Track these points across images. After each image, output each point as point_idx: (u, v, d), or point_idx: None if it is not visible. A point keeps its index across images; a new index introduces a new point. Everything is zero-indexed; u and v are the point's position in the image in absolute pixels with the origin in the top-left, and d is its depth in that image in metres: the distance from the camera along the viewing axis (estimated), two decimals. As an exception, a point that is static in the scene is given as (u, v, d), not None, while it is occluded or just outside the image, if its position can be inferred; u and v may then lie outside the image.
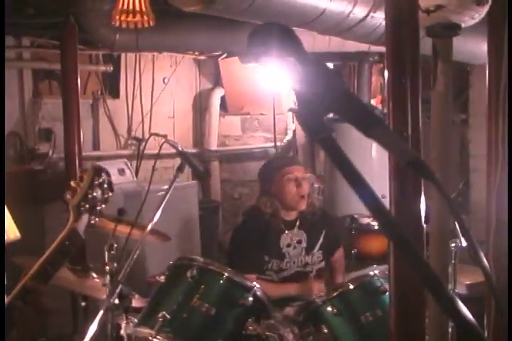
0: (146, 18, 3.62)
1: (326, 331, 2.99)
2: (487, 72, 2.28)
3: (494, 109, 2.28)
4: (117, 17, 3.60)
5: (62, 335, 4.18)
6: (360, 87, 5.73)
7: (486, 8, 2.29)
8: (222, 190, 7.17)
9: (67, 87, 3.92)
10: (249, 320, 2.96)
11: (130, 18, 3.63)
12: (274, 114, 6.83)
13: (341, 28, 3.60)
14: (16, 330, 1.56)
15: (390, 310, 2.12)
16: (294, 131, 7.20)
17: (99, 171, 1.89)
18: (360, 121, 1.00)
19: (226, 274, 3.02)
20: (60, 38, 3.89)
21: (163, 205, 2.92)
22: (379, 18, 3.61)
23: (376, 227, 4.57)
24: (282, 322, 3.38)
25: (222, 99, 6.99)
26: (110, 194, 1.92)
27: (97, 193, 1.88)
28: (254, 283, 3.04)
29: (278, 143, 7.07)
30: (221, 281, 3.02)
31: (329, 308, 3.00)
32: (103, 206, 1.90)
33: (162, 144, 3.07)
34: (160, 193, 5.48)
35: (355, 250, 4.53)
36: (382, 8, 3.36)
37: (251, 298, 2.96)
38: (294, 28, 3.66)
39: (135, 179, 5.83)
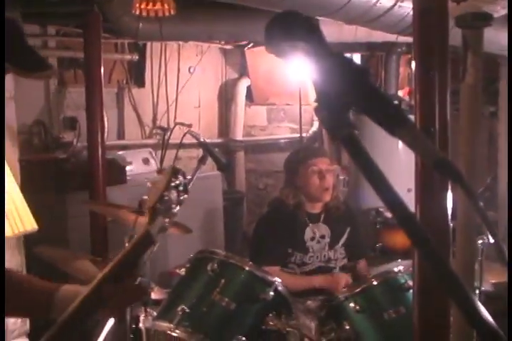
0: (166, 6, 3.58)
1: (347, 327, 2.93)
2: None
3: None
4: (138, 5, 3.56)
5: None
6: (387, 78, 5.64)
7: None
8: (247, 181, 7.13)
9: (91, 76, 3.88)
10: (270, 315, 2.91)
11: (150, 7, 3.59)
12: (300, 105, 6.76)
13: (368, 17, 3.52)
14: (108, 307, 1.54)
15: (413, 306, 2.06)
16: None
17: (176, 172, 1.86)
18: (385, 118, 0.94)
19: (247, 268, 2.98)
20: (83, 27, 3.85)
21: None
22: (407, 7, 3.53)
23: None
24: (304, 312, 3.34)
25: (248, 89, 6.94)
26: (185, 196, 1.88)
27: (173, 195, 1.84)
28: (276, 277, 2.99)
29: (304, 134, 7.00)
30: (242, 275, 2.98)
31: (352, 304, 2.95)
32: (177, 208, 1.87)
33: (184, 135, 3.03)
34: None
35: (380, 244, 4.46)
36: (410, -3, 3.29)
37: (272, 293, 2.91)
38: (320, 18, 3.61)
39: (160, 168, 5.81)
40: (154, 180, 1.92)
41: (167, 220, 1.82)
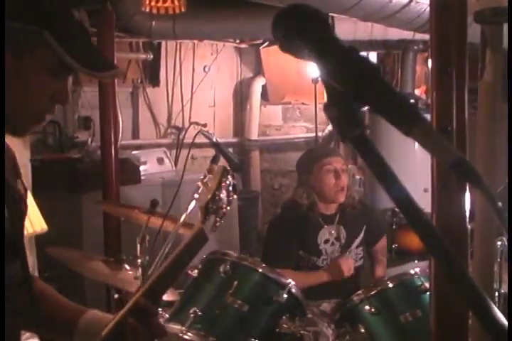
0: (177, 3, 3.53)
1: (362, 330, 2.88)
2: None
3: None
4: (148, 2, 3.52)
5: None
6: (403, 76, 5.57)
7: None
8: (262, 180, 7.10)
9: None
10: (284, 317, 2.87)
11: (161, 4, 3.55)
12: (315, 104, 6.71)
13: (384, 13, 3.46)
14: None
15: (430, 309, 2.00)
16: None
17: (226, 173, 1.85)
18: (399, 117, 0.89)
19: (260, 270, 2.92)
20: (96, 25, 3.83)
21: (196, 195, 2.82)
22: (423, 3, 3.47)
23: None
24: (320, 317, 3.29)
25: (264, 88, 6.90)
26: (235, 196, 1.87)
27: (223, 195, 1.84)
28: (290, 279, 2.94)
29: (319, 134, 6.95)
30: (255, 277, 2.93)
31: (367, 307, 2.89)
32: (228, 208, 1.86)
33: (196, 134, 2.99)
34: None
35: (396, 245, 4.40)
36: (427, -6, 3.22)
37: (285, 295, 2.86)
38: (335, 15, 3.56)
39: (174, 168, 5.79)
40: (204, 180, 1.92)
41: (219, 220, 1.83)
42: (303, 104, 7.00)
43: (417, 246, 4.41)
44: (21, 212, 1.51)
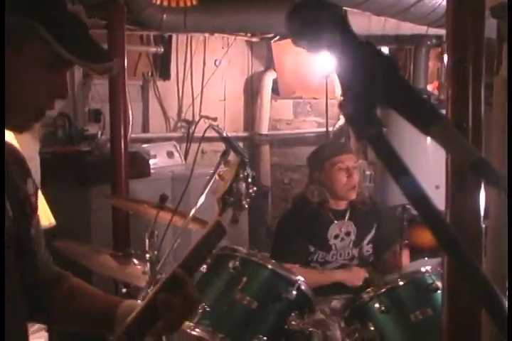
0: (189, -4, 3.51)
1: (372, 328, 2.85)
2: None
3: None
4: (160, -5, 3.49)
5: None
6: (416, 72, 5.51)
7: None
8: (272, 175, 7.06)
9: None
10: (293, 314, 2.84)
11: (172, -4, 3.52)
12: (326, 98, 6.67)
13: (398, 8, 3.41)
14: (163, 321, 1.49)
15: (443, 307, 1.97)
16: (348, 116, 7.03)
17: (244, 164, 1.83)
18: (417, 115, 0.86)
19: (270, 266, 2.90)
20: (107, 18, 3.80)
21: (206, 191, 2.80)
22: (438, -3, 3.41)
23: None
24: (330, 316, 3.26)
25: (274, 82, 6.86)
26: (254, 189, 1.84)
27: (242, 187, 1.81)
28: (299, 276, 2.92)
29: (330, 128, 6.91)
30: (264, 273, 2.91)
31: (377, 305, 2.87)
32: (247, 200, 1.84)
33: (206, 128, 2.96)
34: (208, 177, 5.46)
35: (406, 241, 4.35)
36: (442, -12, 3.18)
37: (295, 292, 2.84)
38: (348, 9, 3.51)
39: (184, 162, 5.77)
40: (222, 172, 1.90)
41: (238, 212, 1.81)
42: (314, 98, 6.96)
43: (427, 243, 4.36)
44: (26, 212, 1.49)
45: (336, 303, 3.48)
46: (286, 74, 6.85)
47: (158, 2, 3.58)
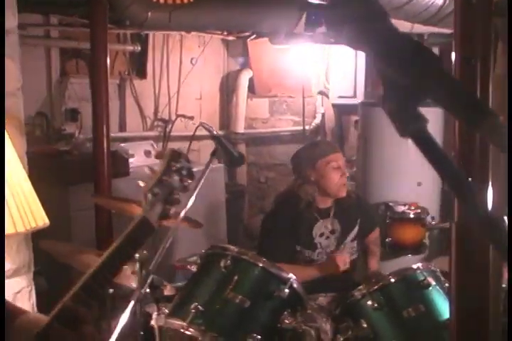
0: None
1: (365, 325, 2.86)
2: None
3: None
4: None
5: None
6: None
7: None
8: (248, 174, 7.05)
9: (96, 67, 3.78)
10: (285, 312, 2.84)
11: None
12: (303, 97, 6.69)
13: (391, 6, 3.39)
14: None
15: (450, 308, 1.97)
16: (323, 115, 7.06)
17: (176, 156, 1.73)
18: (466, 111, 0.85)
19: (261, 265, 2.90)
20: (89, 16, 3.75)
21: (197, 191, 2.79)
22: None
23: (412, 216, 4.43)
24: (318, 311, 3.27)
25: (251, 80, 6.85)
26: (190, 181, 1.75)
27: (174, 180, 1.71)
28: (291, 274, 2.91)
29: (306, 127, 6.93)
30: (256, 272, 2.90)
31: (369, 302, 2.88)
32: (180, 194, 1.74)
33: (197, 127, 2.95)
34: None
35: (390, 239, 4.39)
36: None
37: (287, 290, 2.84)
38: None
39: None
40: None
41: (169, 207, 1.71)
42: (289, 97, 6.96)
43: (410, 240, 4.41)
44: None
45: (322, 300, 3.49)
46: (263, 72, 6.84)
47: (155, -1, 3.54)
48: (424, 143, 0.89)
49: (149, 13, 3.97)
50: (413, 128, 0.90)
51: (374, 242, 3.96)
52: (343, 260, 3.53)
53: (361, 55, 6.69)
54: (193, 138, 3.03)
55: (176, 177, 1.72)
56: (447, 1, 3.35)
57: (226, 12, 4.58)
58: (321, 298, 3.51)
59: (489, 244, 1.49)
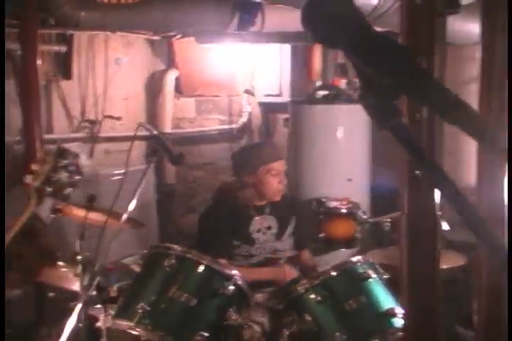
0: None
1: (309, 319, 2.91)
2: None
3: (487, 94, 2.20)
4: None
5: (26, 324, 4.02)
6: (325, 68, 5.67)
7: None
8: (177, 174, 7.04)
9: (27, 68, 3.74)
10: (231, 309, 2.87)
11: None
12: (229, 96, 6.74)
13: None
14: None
15: (405, 307, 2.02)
16: (250, 113, 7.13)
17: (63, 153, 1.75)
18: (439, 104, 0.91)
19: (205, 262, 2.92)
20: (19, 17, 3.69)
21: (139, 191, 2.80)
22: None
23: (344, 211, 4.53)
24: (255, 308, 3.31)
25: (177, 80, 6.84)
26: (78, 177, 1.77)
27: (62, 176, 1.73)
28: (235, 271, 2.95)
29: (233, 126, 6.98)
30: (200, 270, 2.92)
31: (312, 296, 2.94)
32: (70, 190, 1.76)
33: (137, 128, 2.95)
34: (115, 178, 5.39)
35: (323, 234, 4.48)
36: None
37: (232, 287, 2.87)
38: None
39: (89, 163, 5.67)
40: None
41: (58, 202, 1.75)
42: (216, 96, 7.00)
43: (343, 235, 4.50)
44: None
45: (259, 297, 3.54)
46: (188, 72, 6.84)
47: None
48: (403, 136, 0.94)
49: (82, 13, 3.93)
50: (392, 122, 0.94)
51: (308, 259, 3.99)
52: (291, 273, 3.61)
53: (286, 54, 6.77)
54: (134, 138, 3.02)
55: (65, 174, 1.75)
56: (382, 1, 3.43)
57: (161, 13, 4.57)
58: (257, 294, 3.55)
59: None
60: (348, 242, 4.43)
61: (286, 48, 6.62)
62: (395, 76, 0.94)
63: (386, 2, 3.47)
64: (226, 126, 6.97)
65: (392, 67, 0.94)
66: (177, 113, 6.96)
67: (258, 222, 3.76)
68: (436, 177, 0.92)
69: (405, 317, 2.06)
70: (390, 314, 2.86)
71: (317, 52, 6.09)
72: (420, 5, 1.64)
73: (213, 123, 7.11)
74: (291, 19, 4.42)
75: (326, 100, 5.30)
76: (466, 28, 4.00)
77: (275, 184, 3.71)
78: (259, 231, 3.75)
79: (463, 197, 0.92)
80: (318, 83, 5.96)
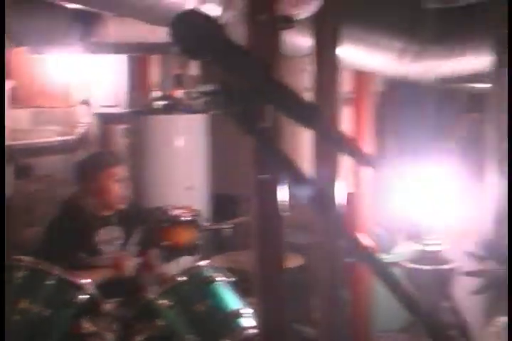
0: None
1: (161, 324, 3.00)
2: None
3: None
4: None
5: None
6: (164, 78, 5.77)
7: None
8: (14, 186, 6.88)
9: None
10: (84, 318, 2.92)
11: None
12: (66, 107, 6.68)
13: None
14: None
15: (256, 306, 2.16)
16: (87, 124, 7.11)
17: None
18: (298, 112, 1.06)
19: (56, 273, 2.95)
20: None
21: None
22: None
23: (185, 218, 4.64)
24: (106, 317, 3.35)
25: (13, 91, 6.70)
26: None
27: None
28: (87, 280, 2.99)
29: (71, 137, 6.93)
30: (52, 281, 2.93)
31: (162, 301, 3.03)
32: None
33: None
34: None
35: (165, 242, 4.56)
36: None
37: (83, 296, 2.91)
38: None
39: None
40: None
41: None
42: (53, 107, 6.93)
43: (184, 243, 4.61)
44: None
45: (109, 306, 3.57)
46: (24, 82, 6.74)
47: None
48: (268, 140, 1.09)
49: None
50: (259, 128, 1.08)
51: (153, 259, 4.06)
52: (127, 262, 3.65)
53: (123, 65, 6.79)
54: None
55: None
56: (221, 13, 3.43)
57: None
58: (106, 305, 3.58)
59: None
60: (190, 249, 4.56)
61: (122, 59, 6.65)
62: (255, 82, 1.08)
63: (224, 14, 3.44)
64: (64, 138, 6.91)
65: (252, 75, 1.08)
66: (13, 125, 6.82)
67: (105, 233, 3.78)
68: (298, 179, 1.07)
69: (256, 316, 2.21)
70: (236, 315, 3.01)
71: (154, 63, 6.17)
72: (264, 20, 1.82)
73: (50, 135, 7.02)
74: (136, 30, 4.48)
75: (165, 110, 5.43)
76: (298, 41, 4.20)
77: (118, 189, 3.73)
78: (106, 242, 3.78)
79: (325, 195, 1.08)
80: (156, 93, 6.05)
